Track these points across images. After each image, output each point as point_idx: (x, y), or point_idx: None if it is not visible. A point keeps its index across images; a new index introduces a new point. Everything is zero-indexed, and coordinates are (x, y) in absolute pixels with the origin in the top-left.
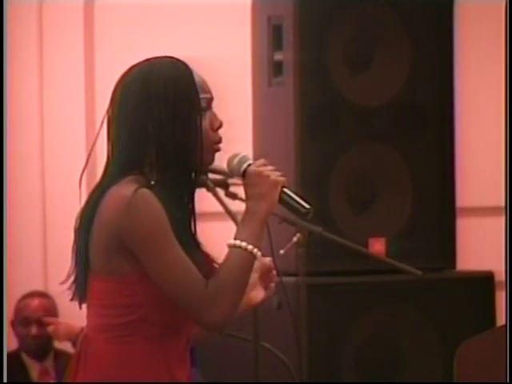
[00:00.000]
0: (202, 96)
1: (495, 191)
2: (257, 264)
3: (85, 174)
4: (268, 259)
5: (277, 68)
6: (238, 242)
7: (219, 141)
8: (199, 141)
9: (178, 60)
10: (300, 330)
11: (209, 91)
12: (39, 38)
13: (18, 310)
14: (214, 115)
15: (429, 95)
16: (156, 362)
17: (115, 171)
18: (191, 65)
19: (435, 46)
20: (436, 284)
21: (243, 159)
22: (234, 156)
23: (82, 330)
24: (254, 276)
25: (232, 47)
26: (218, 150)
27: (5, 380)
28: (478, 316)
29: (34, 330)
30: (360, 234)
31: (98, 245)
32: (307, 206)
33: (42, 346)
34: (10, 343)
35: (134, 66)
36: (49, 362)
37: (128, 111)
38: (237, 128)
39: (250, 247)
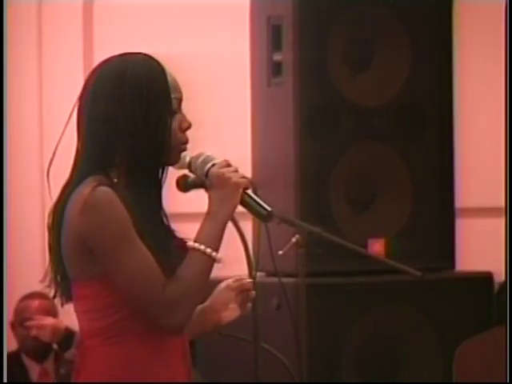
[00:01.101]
0: (173, 96)
1: (495, 191)
2: (235, 283)
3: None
4: (248, 280)
5: (276, 68)
6: (196, 245)
7: (186, 141)
8: (168, 141)
9: (150, 57)
10: (300, 331)
11: (179, 91)
12: (38, 37)
13: (18, 311)
14: (183, 116)
15: (429, 95)
16: (153, 359)
17: (84, 169)
18: (189, 63)
19: (435, 46)
20: (436, 284)
21: (207, 159)
22: (198, 156)
23: (66, 329)
24: (230, 295)
25: (231, 47)
26: (184, 149)
27: (5, 380)
28: (478, 316)
29: (34, 331)
30: (360, 235)
31: (67, 250)
32: (268, 208)
33: (41, 348)
34: (10, 344)
35: (106, 61)
36: (49, 364)
37: (99, 108)
38: (234, 128)
39: (208, 250)
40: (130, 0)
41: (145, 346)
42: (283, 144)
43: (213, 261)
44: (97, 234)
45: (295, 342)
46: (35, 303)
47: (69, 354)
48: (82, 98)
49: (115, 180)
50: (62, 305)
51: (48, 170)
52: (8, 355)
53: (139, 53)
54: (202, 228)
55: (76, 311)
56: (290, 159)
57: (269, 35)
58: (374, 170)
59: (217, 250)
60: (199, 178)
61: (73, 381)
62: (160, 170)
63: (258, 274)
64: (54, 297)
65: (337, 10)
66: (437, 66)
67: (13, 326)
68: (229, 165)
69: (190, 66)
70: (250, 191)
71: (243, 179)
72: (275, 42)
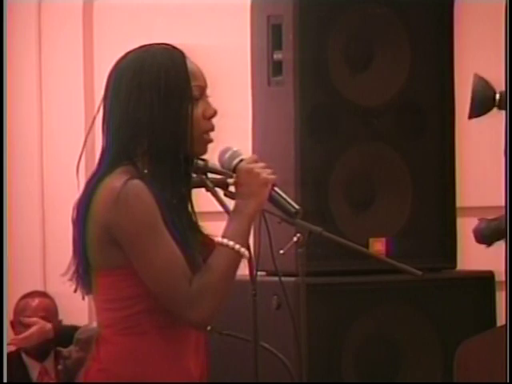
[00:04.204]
0: (194, 84)
1: (495, 191)
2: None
3: (85, 162)
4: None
5: (276, 67)
6: (225, 241)
7: (211, 129)
8: (189, 129)
9: (172, 47)
10: (300, 330)
11: (202, 79)
12: (38, 37)
13: (18, 310)
14: (208, 104)
15: (429, 95)
16: (166, 352)
17: (108, 161)
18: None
19: (435, 46)
20: (437, 284)
21: (234, 154)
22: (226, 150)
23: (62, 326)
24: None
25: (231, 46)
26: (211, 141)
27: (5, 380)
28: (478, 316)
29: (34, 329)
30: (360, 234)
31: (92, 239)
32: (296, 206)
33: (42, 346)
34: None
35: (128, 53)
36: (49, 363)
37: (119, 100)
38: (234, 126)
39: (237, 246)
40: (130, 0)
41: (159, 339)
42: (283, 143)
43: (240, 256)
44: (126, 228)
45: (295, 341)
46: (35, 301)
47: (66, 351)
48: (105, 92)
49: (145, 171)
50: (83, 297)
51: (78, 166)
52: (8, 354)
53: (162, 43)
54: (229, 223)
55: (95, 300)
56: (290, 159)
57: (269, 34)
58: (373, 170)
59: (244, 245)
60: (199, 177)
61: (86, 367)
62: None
63: (259, 273)
64: (75, 291)
65: (337, 9)
66: (437, 65)
67: (13, 325)
68: (256, 161)
69: (185, 53)
70: (277, 188)
71: (272, 176)
72: (275, 41)
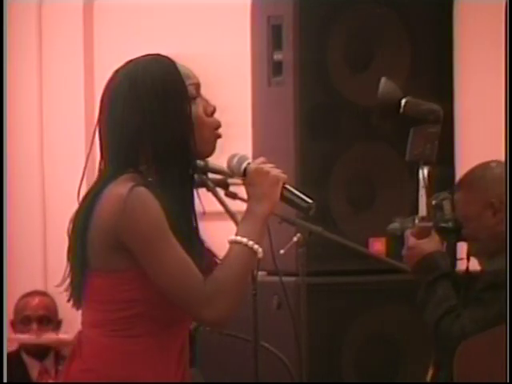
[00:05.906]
0: (189, 83)
1: None
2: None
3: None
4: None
5: (276, 68)
6: (238, 238)
7: (218, 125)
8: (192, 128)
9: (159, 55)
10: (300, 330)
11: (195, 77)
12: (38, 37)
13: (19, 309)
14: (206, 101)
15: (428, 95)
16: (152, 358)
17: (111, 171)
18: (189, 62)
19: (435, 46)
20: None
21: (242, 158)
22: (233, 156)
23: None
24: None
25: (232, 47)
26: (219, 136)
27: (5, 380)
28: None
29: (34, 328)
30: (360, 234)
31: (96, 243)
32: (309, 200)
33: (42, 345)
34: (10, 343)
35: (118, 70)
36: (49, 362)
37: (119, 113)
38: (234, 125)
39: (250, 243)
40: (130, 0)
41: (148, 343)
42: (283, 143)
43: (255, 254)
44: (137, 234)
45: (295, 341)
46: (35, 300)
47: (66, 351)
48: (101, 107)
49: (150, 179)
50: (78, 308)
51: (80, 186)
52: (8, 354)
53: (148, 54)
54: (242, 223)
55: (87, 300)
56: (290, 159)
57: (269, 35)
58: (374, 170)
59: (259, 243)
60: (199, 177)
61: (65, 366)
62: (191, 168)
63: (259, 273)
64: (69, 300)
65: (337, 9)
66: (437, 65)
67: (13, 324)
68: (265, 162)
69: (189, 65)
70: (288, 186)
71: (282, 174)
72: (275, 42)
